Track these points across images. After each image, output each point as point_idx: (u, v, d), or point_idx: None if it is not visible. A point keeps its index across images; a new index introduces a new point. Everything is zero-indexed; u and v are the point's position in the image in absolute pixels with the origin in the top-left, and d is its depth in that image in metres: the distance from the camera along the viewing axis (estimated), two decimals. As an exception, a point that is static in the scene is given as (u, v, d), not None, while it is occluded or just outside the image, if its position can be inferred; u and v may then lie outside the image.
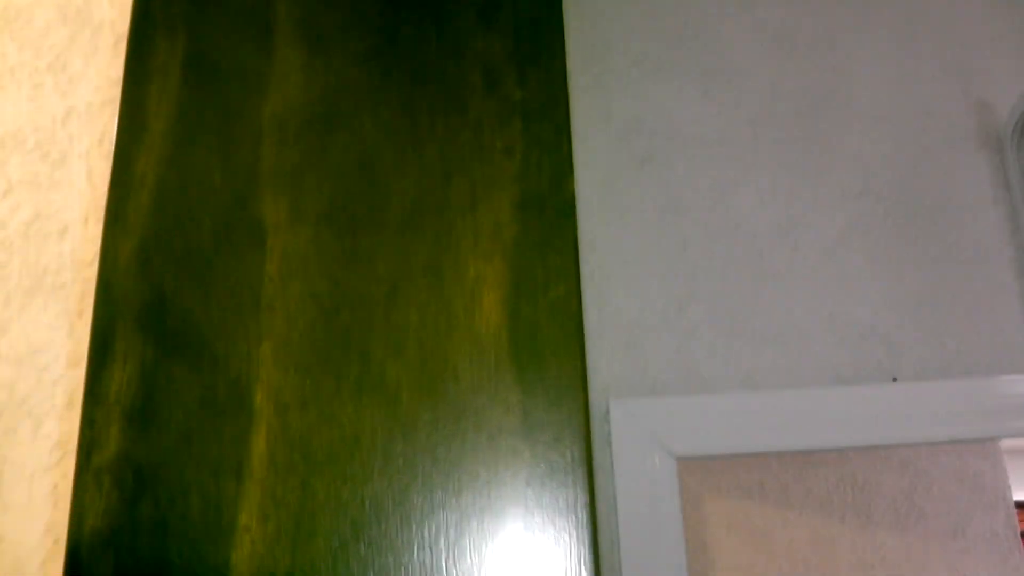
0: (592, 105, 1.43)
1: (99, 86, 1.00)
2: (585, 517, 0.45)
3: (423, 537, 0.44)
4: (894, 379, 1.32)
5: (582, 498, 0.45)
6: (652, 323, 1.35)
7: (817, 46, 1.47)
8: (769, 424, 1.28)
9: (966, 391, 1.26)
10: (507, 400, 0.46)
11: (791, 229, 1.37)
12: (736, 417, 1.30)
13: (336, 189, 0.47)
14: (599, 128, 1.42)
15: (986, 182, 1.39)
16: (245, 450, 0.45)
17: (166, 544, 0.44)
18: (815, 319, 1.35)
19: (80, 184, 0.95)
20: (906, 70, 1.46)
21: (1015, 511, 1.29)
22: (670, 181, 1.40)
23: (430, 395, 0.46)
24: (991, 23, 1.42)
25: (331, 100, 0.48)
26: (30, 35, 1.02)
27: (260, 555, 0.43)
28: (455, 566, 0.43)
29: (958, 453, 1.30)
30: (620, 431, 1.28)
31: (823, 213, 1.39)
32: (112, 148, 0.71)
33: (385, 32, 0.49)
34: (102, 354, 0.47)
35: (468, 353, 0.46)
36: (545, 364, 0.46)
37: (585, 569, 0.44)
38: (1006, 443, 1.34)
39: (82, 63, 1.01)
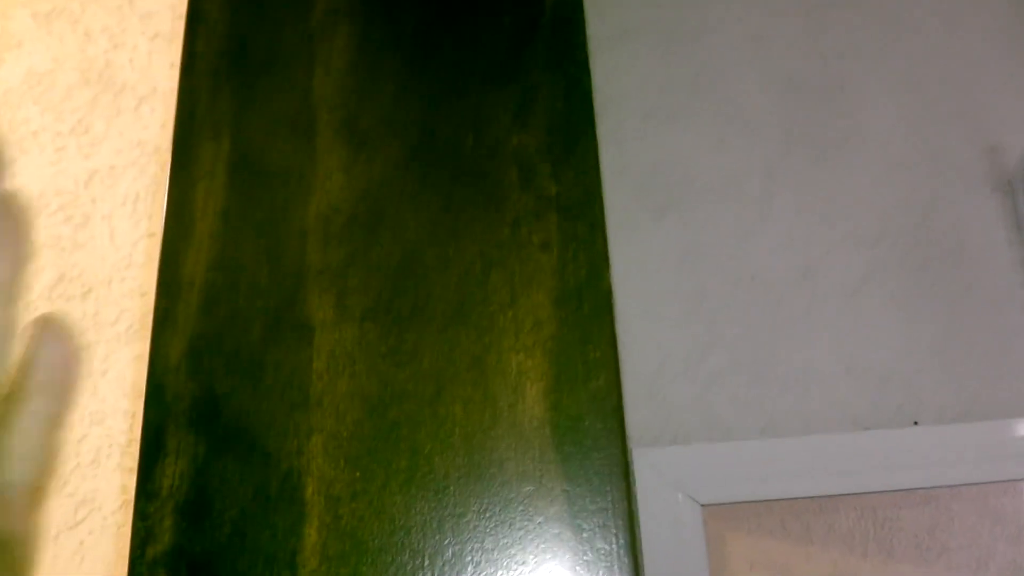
0: (609, 156, 1.45)
1: (121, 148, 1.02)
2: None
3: (474, 627, 0.45)
4: (915, 423, 1.33)
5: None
6: (674, 372, 1.36)
7: (830, 93, 1.49)
8: (792, 470, 1.29)
9: (987, 434, 1.27)
10: (552, 489, 0.47)
11: (808, 276, 1.39)
12: (759, 464, 1.31)
13: (381, 286, 0.48)
14: (616, 179, 1.44)
15: (999, 225, 1.41)
16: (298, 542, 0.47)
17: (224, 639, 0.45)
18: (835, 365, 1.36)
19: (103, 245, 0.97)
20: (917, 115, 1.48)
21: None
22: (688, 230, 1.42)
23: (477, 486, 0.47)
24: (999, 67, 1.44)
25: (373, 199, 0.50)
26: (52, 99, 1.04)
27: (316, 648, 0.44)
28: (506, 655, 0.45)
29: (980, 487, 1.31)
30: (645, 480, 1.29)
31: (840, 259, 1.41)
32: (134, 209, 0.73)
33: (425, 132, 0.51)
34: (154, 450, 0.49)
35: (513, 444, 0.47)
36: (588, 453, 0.47)
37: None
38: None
39: (104, 125, 1.04)
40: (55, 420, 0.31)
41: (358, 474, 0.47)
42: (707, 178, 1.40)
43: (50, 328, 0.31)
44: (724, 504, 1.25)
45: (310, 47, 0.55)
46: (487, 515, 0.47)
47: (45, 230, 0.97)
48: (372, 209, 0.50)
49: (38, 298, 0.92)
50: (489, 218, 0.49)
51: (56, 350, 0.31)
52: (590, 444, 0.47)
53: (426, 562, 0.47)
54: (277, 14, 0.57)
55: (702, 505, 1.26)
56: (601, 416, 0.47)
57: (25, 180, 0.99)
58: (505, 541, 0.47)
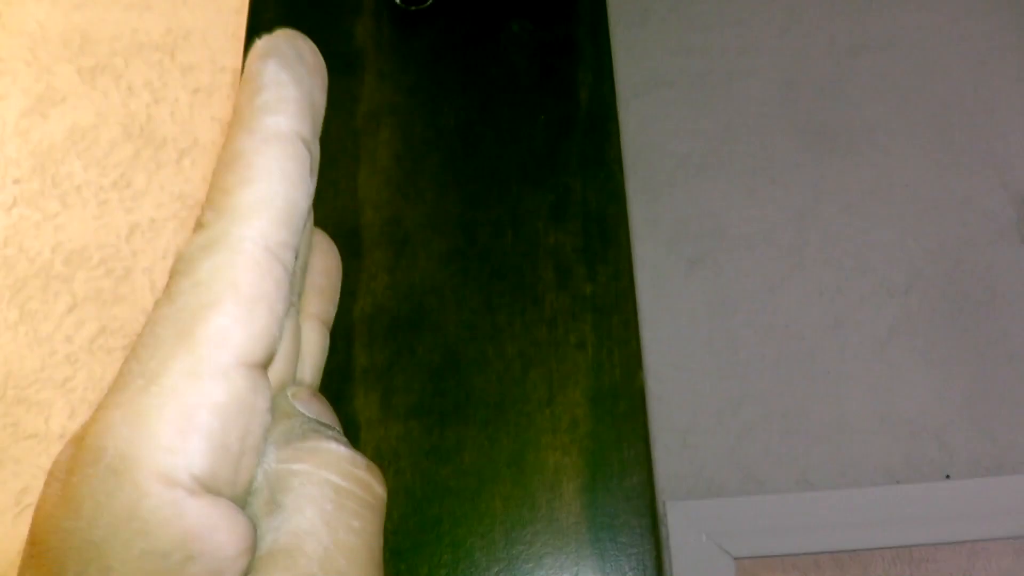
0: (640, 206, 1.47)
1: (162, 202, 1.05)
2: None
3: None
4: (947, 476, 1.33)
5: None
6: (707, 424, 1.37)
7: (859, 140, 1.50)
8: (825, 524, 1.29)
9: (1020, 487, 1.27)
10: (588, 583, 0.49)
11: (839, 327, 1.40)
12: (792, 518, 1.32)
13: (424, 385, 0.51)
14: (648, 230, 1.46)
15: (1030, 275, 1.40)
16: (343, 631, 0.49)
17: None
18: (867, 417, 1.37)
19: (144, 299, 1.00)
20: (946, 163, 1.49)
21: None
22: (719, 282, 1.43)
23: (516, 580, 0.49)
24: (1028, 114, 1.45)
25: (417, 299, 0.52)
26: (96, 154, 1.07)
27: None
28: None
29: (1011, 541, 1.30)
30: (678, 533, 1.30)
31: (870, 309, 1.41)
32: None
33: (466, 230, 0.53)
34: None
35: (551, 540, 0.49)
36: (624, 551, 0.49)
37: None
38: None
39: (145, 179, 1.07)
40: (328, 323, 0.32)
41: (403, 567, 0.49)
42: (738, 228, 1.41)
43: (319, 238, 0.32)
44: (758, 557, 1.25)
45: (356, 144, 0.58)
46: (526, 608, 0.49)
47: (87, 283, 1.00)
48: (415, 308, 0.52)
49: (79, 350, 0.94)
50: (527, 317, 0.51)
51: (327, 257, 0.33)
52: (625, 541, 0.48)
53: (467, 653, 0.48)
54: (325, 110, 0.59)
55: (735, 559, 1.26)
56: (636, 514, 0.48)
57: (68, 235, 1.01)
58: (544, 633, 0.48)
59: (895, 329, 1.38)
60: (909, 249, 1.42)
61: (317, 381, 0.32)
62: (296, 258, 0.27)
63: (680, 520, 1.29)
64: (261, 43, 0.28)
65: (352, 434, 0.51)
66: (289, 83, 0.28)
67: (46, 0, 1.13)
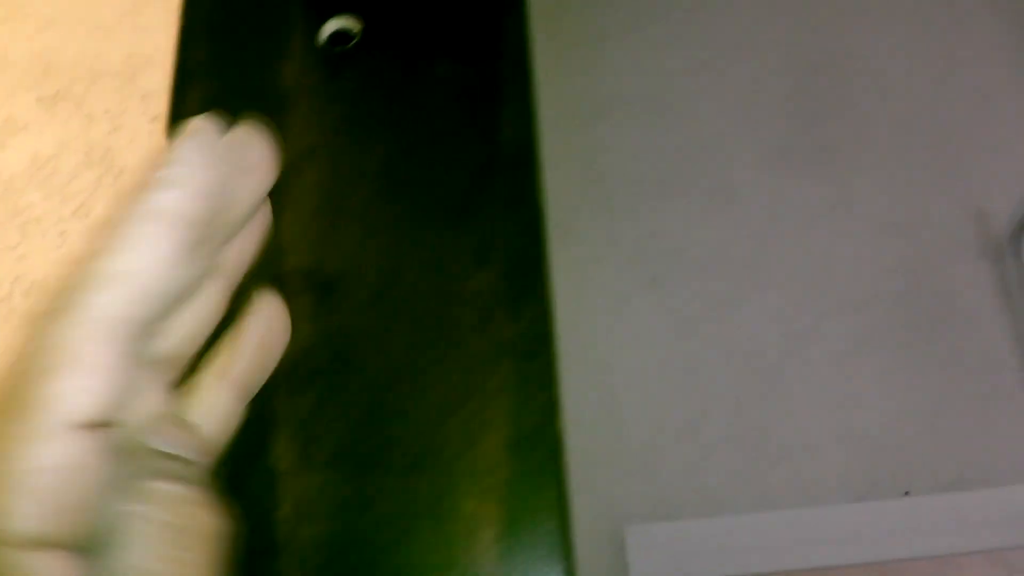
0: (600, 229, 1.47)
1: (123, 229, 1.04)
2: None
3: None
4: (907, 492, 1.34)
5: None
6: (667, 445, 1.37)
7: (816, 159, 1.51)
8: (786, 543, 1.30)
9: (980, 503, 1.27)
10: (507, 631, 0.49)
11: (799, 344, 1.40)
12: (753, 537, 1.32)
13: (344, 434, 0.50)
14: (608, 252, 1.46)
15: (988, 290, 1.42)
16: None
17: None
18: (827, 435, 1.37)
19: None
20: (903, 179, 1.50)
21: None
22: (679, 302, 1.44)
23: (435, 628, 0.49)
24: (986, 132, 1.46)
25: (338, 347, 0.52)
26: (56, 183, 1.06)
27: None
28: None
29: (970, 557, 1.31)
30: (637, 557, 1.30)
31: (829, 327, 1.42)
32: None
33: (388, 277, 0.53)
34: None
35: (469, 589, 0.49)
36: (541, 597, 0.49)
37: None
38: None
39: (106, 208, 1.06)
40: (243, 389, 0.33)
41: (321, 617, 0.49)
42: (698, 249, 1.41)
43: (267, 308, 0.34)
44: (717, 578, 1.25)
45: (279, 188, 0.58)
46: (446, 657, 0.49)
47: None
48: (337, 355, 0.52)
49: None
50: (448, 363, 0.51)
51: (266, 330, 0.35)
52: (542, 588, 0.48)
53: None
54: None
55: (695, 581, 1.26)
56: (551, 560, 0.48)
57: (28, 266, 1.00)
58: None
59: (854, 346, 1.38)
60: (867, 266, 1.42)
61: (214, 441, 0.32)
62: (156, 334, 0.28)
63: (640, 543, 1.29)
64: (195, 122, 0.29)
65: (271, 484, 0.50)
66: (197, 165, 0.28)
67: (7, 26, 1.12)
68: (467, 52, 0.60)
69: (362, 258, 0.54)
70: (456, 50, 0.60)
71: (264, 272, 0.55)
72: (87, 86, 1.09)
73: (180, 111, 0.65)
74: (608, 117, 1.50)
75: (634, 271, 1.41)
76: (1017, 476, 1.34)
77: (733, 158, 1.47)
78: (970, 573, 1.29)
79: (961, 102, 1.50)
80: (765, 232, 1.45)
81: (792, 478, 1.32)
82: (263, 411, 0.52)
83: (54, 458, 0.24)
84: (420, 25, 0.62)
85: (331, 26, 0.63)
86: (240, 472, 0.51)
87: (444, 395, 0.51)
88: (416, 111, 0.57)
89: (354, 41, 0.63)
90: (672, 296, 1.37)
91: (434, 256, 0.55)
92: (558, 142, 1.41)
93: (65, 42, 1.11)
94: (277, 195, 0.58)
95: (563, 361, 1.20)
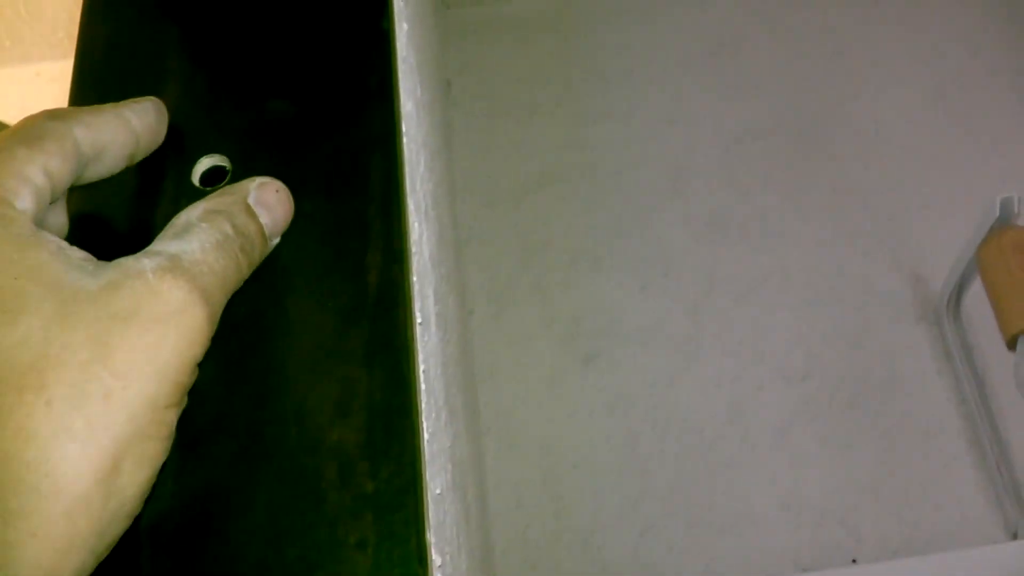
0: (534, 305, 1.48)
1: None
2: None
3: None
4: (853, 560, 1.34)
5: None
6: (608, 523, 1.37)
7: (750, 229, 1.52)
8: (732, 618, 1.28)
9: (927, 568, 1.27)
10: None
11: (738, 417, 1.40)
12: (698, 616, 1.31)
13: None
14: (542, 330, 1.46)
15: (927, 355, 1.42)
16: None
17: None
18: (771, 505, 1.37)
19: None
20: (839, 246, 1.51)
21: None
22: (615, 378, 1.44)
23: None
24: (920, 194, 1.47)
25: (201, 506, 0.51)
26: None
27: None
28: None
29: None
30: (584, 636, 1.29)
31: (769, 398, 1.42)
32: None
33: (251, 431, 0.53)
34: None
35: None
36: None
37: None
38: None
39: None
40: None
41: None
42: (633, 323, 1.41)
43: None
44: (661, 661, 1.24)
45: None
46: None
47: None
48: (200, 515, 0.52)
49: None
50: (309, 518, 0.51)
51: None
52: None
53: None
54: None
55: (640, 665, 1.25)
56: None
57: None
58: None
59: (795, 416, 1.38)
60: (806, 335, 1.43)
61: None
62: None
63: (584, 626, 1.28)
64: None
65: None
66: None
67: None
68: (335, 187, 0.60)
69: (226, 413, 0.54)
70: (324, 185, 0.61)
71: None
72: None
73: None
74: (541, 192, 1.50)
75: (570, 348, 1.41)
76: (966, 539, 1.34)
77: (666, 230, 1.47)
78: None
79: (894, 163, 1.51)
80: (700, 304, 1.45)
81: (736, 550, 1.31)
82: (126, 574, 0.51)
83: None
84: (288, 161, 0.63)
85: (204, 164, 0.63)
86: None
87: (305, 552, 0.51)
88: (284, 251, 0.58)
89: (227, 179, 0.63)
90: (608, 372, 1.37)
91: (296, 409, 0.55)
92: (492, 218, 1.42)
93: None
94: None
95: (501, 441, 1.20)
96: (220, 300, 0.43)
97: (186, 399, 0.45)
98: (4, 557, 0.32)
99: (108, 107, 0.47)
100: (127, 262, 0.38)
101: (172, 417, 0.43)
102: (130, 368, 0.35)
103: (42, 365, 0.32)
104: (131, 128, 0.48)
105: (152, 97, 0.55)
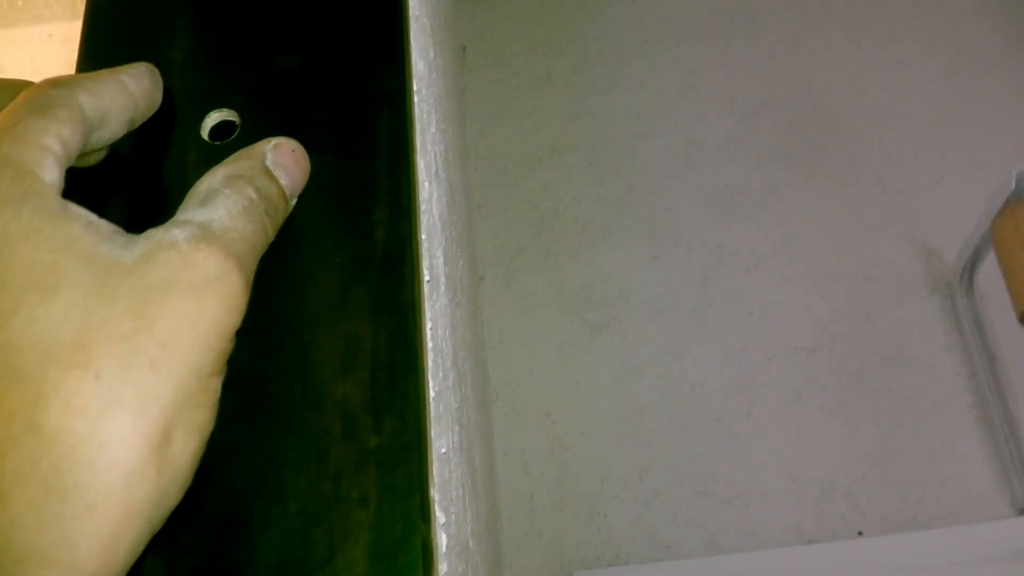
0: (546, 273, 1.47)
1: None
2: None
3: None
4: (859, 533, 1.33)
5: None
6: (614, 491, 1.37)
7: (761, 202, 1.51)
8: (735, 587, 1.29)
9: (933, 542, 1.27)
10: None
11: (745, 389, 1.40)
12: (702, 582, 1.31)
13: (208, 546, 0.50)
14: (552, 298, 1.46)
15: (938, 328, 1.41)
16: None
17: None
18: (776, 477, 1.37)
19: None
20: (850, 220, 1.50)
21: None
22: (624, 347, 1.44)
23: None
24: (932, 168, 1.46)
25: (205, 457, 0.51)
26: None
27: None
28: None
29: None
30: (587, 603, 1.29)
31: (777, 370, 1.41)
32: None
33: (254, 385, 0.53)
34: None
35: None
36: None
37: None
38: None
39: None
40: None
41: None
42: (642, 292, 1.41)
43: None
44: (664, 627, 1.24)
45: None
46: None
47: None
48: (203, 467, 0.52)
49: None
50: (312, 472, 0.51)
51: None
52: None
53: None
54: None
55: (644, 626, 1.26)
56: (412, 676, 0.48)
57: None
58: None
59: (802, 388, 1.38)
60: (816, 308, 1.42)
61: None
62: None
63: (588, 591, 1.29)
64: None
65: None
66: None
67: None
68: (343, 145, 0.60)
69: (230, 367, 0.54)
70: (332, 143, 0.60)
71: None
72: None
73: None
74: (553, 161, 1.50)
75: (579, 317, 1.41)
76: (971, 515, 1.33)
77: (678, 200, 1.47)
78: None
79: (907, 138, 1.49)
80: (710, 275, 1.45)
81: (741, 521, 1.31)
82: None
83: None
84: (297, 117, 0.62)
85: (213, 118, 0.63)
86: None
87: (307, 506, 0.51)
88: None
89: (236, 134, 0.63)
90: (617, 341, 1.37)
91: (300, 363, 0.55)
92: (504, 186, 1.42)
93: None
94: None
95: (510, 408, 1.20)
96: (252, 266, 0.43)
97: (227, 367, 0.45)
98: (63, 532, 0.32)
99: (105, 73, 0.47)
100: (157, 233, 0.37)
101: (216, 385, 0.43)
102: (173, 337, 0.35)
103: (86, 339, 0.32)
104: (129, 93, 0.47)
105: (145, 62, 0.55)
